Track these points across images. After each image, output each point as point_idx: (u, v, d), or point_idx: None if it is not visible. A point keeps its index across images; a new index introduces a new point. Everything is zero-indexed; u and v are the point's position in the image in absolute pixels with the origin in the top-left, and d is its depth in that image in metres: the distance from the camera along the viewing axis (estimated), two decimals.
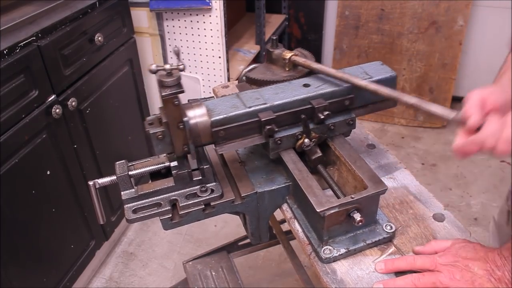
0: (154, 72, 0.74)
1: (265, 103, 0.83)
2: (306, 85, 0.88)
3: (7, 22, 1.39)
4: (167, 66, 0.74)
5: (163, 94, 0.73)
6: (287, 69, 0.97)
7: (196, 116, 0.80)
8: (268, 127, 0.82)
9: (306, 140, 0.86)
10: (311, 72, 0.94)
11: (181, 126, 0.77)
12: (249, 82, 0.98)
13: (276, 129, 0.82)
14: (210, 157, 0.92)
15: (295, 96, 0.85)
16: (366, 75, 0.90)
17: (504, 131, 0.64)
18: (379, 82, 0.89)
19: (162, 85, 0.74)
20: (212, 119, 0.80)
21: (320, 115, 0.84)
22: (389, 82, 0.90)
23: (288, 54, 0.96)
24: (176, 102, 0.75)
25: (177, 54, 0.79)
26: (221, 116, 0.81)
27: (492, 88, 0.76)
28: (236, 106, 0.83)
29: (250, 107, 0.82)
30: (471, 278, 0.70)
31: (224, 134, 0.81)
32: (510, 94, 0.73)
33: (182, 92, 0.74)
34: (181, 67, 0.75)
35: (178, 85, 0.74)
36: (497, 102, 0.71)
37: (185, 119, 0.77)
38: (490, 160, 2.61)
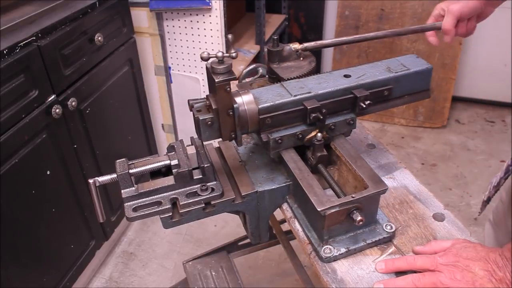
0: (206, 59, 0.75)
1: (309, 92, 0.85)
2: (346, 76, 0.91)
3: (7, 22, 1.39)
4: (219, 54, 0.74)
5: (216, 80, 0.74)
6: (301, 59, 0.99)
7: (245, 103, 0.81)
8: (313, 115, 0.83)
9: (319, 134, 0.86)
10: (317, 56, 1.01)
11: (231, 113, 0.79)
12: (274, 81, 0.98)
13: (321, 117, 0.84)
14: (211, 156, 0.92)
15: (337, 86, 0.87)
16: (404, 66, 0.93)
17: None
18: (417, 73, 0.92)
19: (214, 72, 0.75)
20: (260, 106, 0.82)
21: (362, 104, 0.86)
22: (426, 73, 0.94)
23: (297, 45, 0.99)
24: (228, 89, 0.76)
25: (230, 41, 0.79)
26: (268, 104, 0.83)
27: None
28: (281, 94, 0.85)
29: (295, 95, 0.84)
30: (471, 279, 0.70)
31: (270, 121, 0.83)
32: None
33: (235, 79, 0.76)
34: (233, 54, 0.75)
35: (230, 72, 0.76)
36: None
37: (235, 105, 0.79)
38: (490, 160, 2.61)
